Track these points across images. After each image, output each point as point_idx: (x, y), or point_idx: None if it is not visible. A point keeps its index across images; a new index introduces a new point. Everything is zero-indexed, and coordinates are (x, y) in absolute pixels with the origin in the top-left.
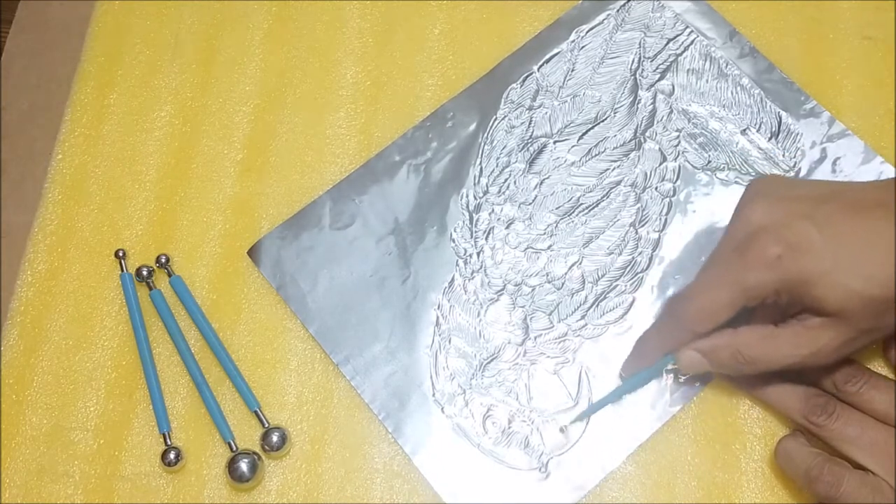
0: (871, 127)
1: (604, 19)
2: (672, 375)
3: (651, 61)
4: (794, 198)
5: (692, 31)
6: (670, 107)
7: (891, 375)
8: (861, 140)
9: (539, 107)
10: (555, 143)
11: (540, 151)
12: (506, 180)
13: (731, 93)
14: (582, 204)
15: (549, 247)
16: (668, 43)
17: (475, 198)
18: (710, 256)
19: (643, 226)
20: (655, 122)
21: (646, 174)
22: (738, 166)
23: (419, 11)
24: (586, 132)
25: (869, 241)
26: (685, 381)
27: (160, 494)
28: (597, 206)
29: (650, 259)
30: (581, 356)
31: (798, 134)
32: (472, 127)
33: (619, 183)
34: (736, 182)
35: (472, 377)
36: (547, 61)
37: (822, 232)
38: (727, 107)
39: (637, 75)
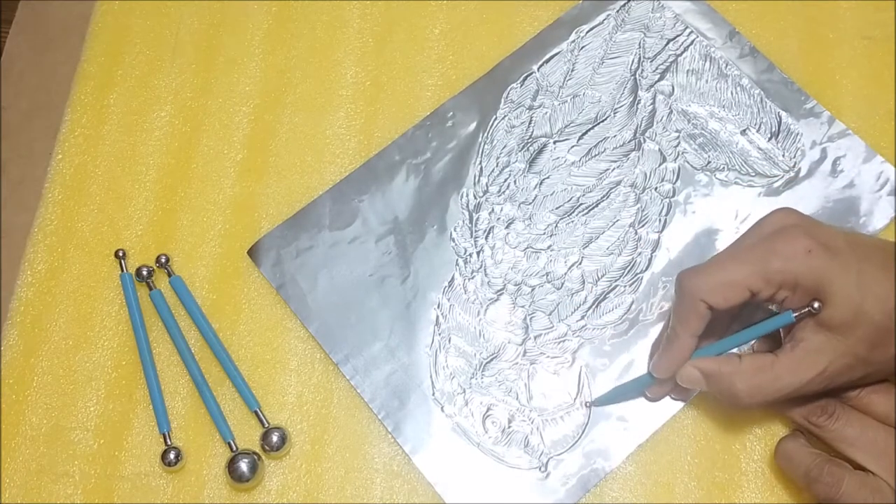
0: (871, 127)
1: (604, 19)
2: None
3: (651, 62)
4: (818, 220)
5: (692, 32)
6: (670, 107)
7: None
8: (861, 140)
9: (539, 107)
10: (555, 143)
11: (540, 151)
12: (506, 180)
13: (731, 93)
14: (582, 204)
15: (549, 247)
16: (667, 43)
17: (475, 197)
18: (727, 248)
19: (643, 226)
20: (655, 123)
21: (646, 175)
22: (737, 167)
23: (419, 11)
24: (586, 132)
25: (887, 267)
26: None
27: (160, 494)
28: (597, 206)
29: (650, 259)
30: (581, 356)
31: (798, 134)
32: (472, 126)
33: (618, 183)
34: (736, 182)
35: (472, 376)
36: (547, 61)
37: (847, 245)
38: (727, 107)
39: (637, 76)
